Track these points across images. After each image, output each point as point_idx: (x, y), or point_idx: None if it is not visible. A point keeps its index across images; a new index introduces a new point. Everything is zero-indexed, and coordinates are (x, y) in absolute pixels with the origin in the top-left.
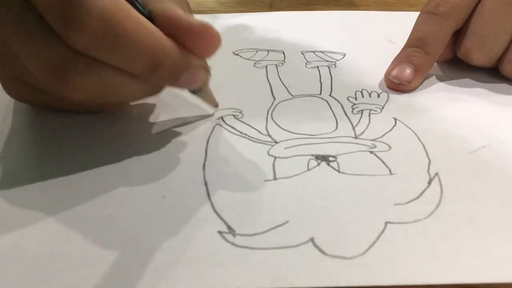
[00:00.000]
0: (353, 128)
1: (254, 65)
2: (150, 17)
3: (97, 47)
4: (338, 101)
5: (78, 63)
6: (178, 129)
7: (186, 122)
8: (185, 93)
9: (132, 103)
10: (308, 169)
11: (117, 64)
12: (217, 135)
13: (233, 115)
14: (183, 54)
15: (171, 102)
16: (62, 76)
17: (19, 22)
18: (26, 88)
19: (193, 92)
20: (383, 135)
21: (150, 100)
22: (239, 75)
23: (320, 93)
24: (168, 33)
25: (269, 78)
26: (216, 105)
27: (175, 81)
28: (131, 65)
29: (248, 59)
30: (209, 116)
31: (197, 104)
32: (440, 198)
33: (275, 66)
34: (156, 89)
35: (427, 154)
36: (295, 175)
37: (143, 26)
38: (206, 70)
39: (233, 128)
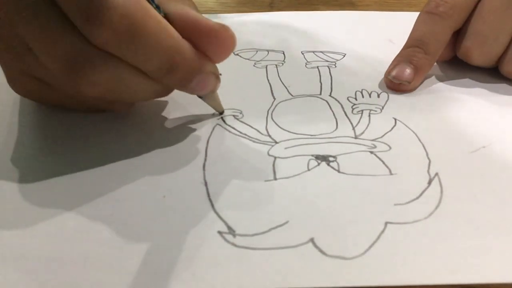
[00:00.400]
0: (353, 128)
1: (254, 65)
2: (166, 18)
3: (117, 43)
4: (338, 101)
5: (95, 58)
6: (178, 129)
7: (186, 122)
8: (186, 94)
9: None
10: (308, 169)
11: (133, 62)
12: (217, 135)
13: (233, 115)
14: (199, 57)
15: (171, 102)
16: (78, 69)
17: (36, 15)
18: (35, 83)
19: (201, 96)
20: (383, 135)
21: (150, 100)
22: (239, 75)
23: (320, 93)
24: (183, 36)
25: (269, 78)
26: (221, 112)
27: (186, 84)
28: (148, 64)
29: (248, 59)
30: (209, 116)
31: (197, 104)
32: (440, 198)
33: (275, 66)
34: (165, 91)
35: (427, 154)
36: (295, 175)
37: (163, 26)
38: (217, 77)
39: (233, 128)
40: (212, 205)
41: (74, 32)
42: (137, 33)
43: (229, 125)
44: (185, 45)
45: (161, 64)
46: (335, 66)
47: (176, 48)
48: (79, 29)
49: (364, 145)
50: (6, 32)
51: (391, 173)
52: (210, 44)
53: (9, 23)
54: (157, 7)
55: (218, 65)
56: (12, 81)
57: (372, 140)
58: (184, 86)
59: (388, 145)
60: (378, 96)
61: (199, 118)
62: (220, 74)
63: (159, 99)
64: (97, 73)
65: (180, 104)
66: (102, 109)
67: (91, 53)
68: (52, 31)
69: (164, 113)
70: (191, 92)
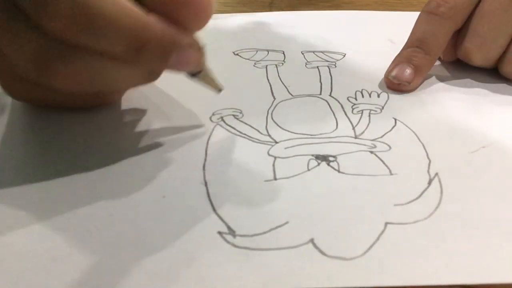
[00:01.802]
0: (353, 128)
1: (254, 65)
2: None
3: (73, 32)
4: (338, 101)
5: (58, 51)
6: (178, 129)
7: (186, 122)
8: (186, 94)
9: (128, 92)
10: (308, 169)
11: (98, 47)
12: (217, 135)
13: (233, 115)
14: (169, 30)
15: (171, 102)
16: (46, 65)
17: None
18: (23, 85)
19: (193, 76)
20: (383, 135)
21: (150, 100)
22: (239, 75)
23: (320, 93)
24: (154, 10)
25: (269, 78)
26: (219, 90)
27: (164, 61)
28: (112, 47)
29: (248, 59)
30: (209, 116)
31: (197, 104)
32: (440, 198)
33: (275, 66)
34: (151, 75)
35: (427, 154)
36: (295, 175)
37: (120, 5)
38: (199, 49)
39: (233, 128)
40: (212, 205)
41: (34, 28)
42: (92, 18)
43: (229, 125)
44: (150, 20)
45: (128, 44)
46: (335, 66)
47: (140, 25)
48: (35, 23)
49: (364, 145)
50: None
51: (391, 173)
52: (183, 12)
53: None
54: None
55: (218, 65)
56: (7, 87)
57: (372, 140)
58: (164, 63)
59: (388, 145)
60: (378, 96)
61: (199, 118)
62: (203, 45)
63: (159, 99)
64: (66, 66)
65: (180, 104)
66: (94, 103)
67: (54, 46)
68: (15, 31)
69: (164, 113)
70: (177, 70)
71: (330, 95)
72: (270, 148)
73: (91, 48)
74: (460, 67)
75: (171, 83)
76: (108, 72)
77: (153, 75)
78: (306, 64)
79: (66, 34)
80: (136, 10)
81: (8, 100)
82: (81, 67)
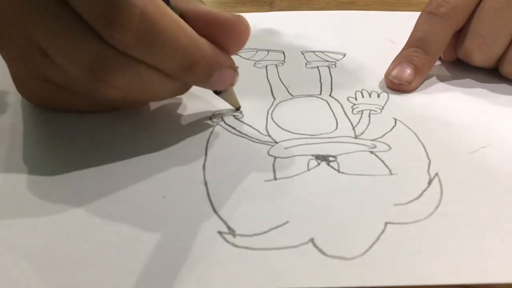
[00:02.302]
0: (353, 128)
1: (254, 65)
2: (180, 17)
3: (138, 45)
4: (338, 102)
5: (117, 61)
6: (178, 129)
7: (186, 122)
8: (186, 94)
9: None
10: (308, 169)
11: (154, 62)
12: (217, 135)
13: (233, 115)
14: (217, 52)
15: (171, 102)
16: (100, 74)
17: (55, 21)
18: (48, 87)
19: (218, 92)
20: (383, 135)
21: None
22: (239, 75)
23: (320, 93)
24: (199, 32)
25: (269, 78)
26: (238, 107)
27: (206, 80)
28: (168, 64)
29: (248, 59)
30: (209, 116)
31: (197, 104)
32: (440, 198)
33: (275, 66)
34: (183, 89)
35: (427, 154)
36: (295, 175)
37: (181, 25)
38: (235, 70)
39: (233, 128)
40: (212, 205)
41: (94, 37)
42: (156, 34)
43: (229, 125)
44: (203, 41)
45: (181, 62)
46: (335, 66)
47: (194, 45)
48: (99, 33)
49: (364, 145)
50: (19, 38)
51: (391, 173)
52: (226, 37)
53: (24, 29)
54: (173, 7)
55: None
56: (20, 85)
57: (372, 140)
58: (204, 82)
59: (388, 145)
60: (378, 96)
61: (199, 118)
62: (237, 67)
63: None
64: (119, 76)
65: (180, 103)
66: (118, 108)
67: (113, 57)
68: (72, 38)
69: (164, 113)
70: (210, 88)
71: (330, 95)
72: (270, 148)
73: (147, 62)
74: (460, 67)
75: None
76: (153, 84)
77: (185, 89)
78: (306, 64)
79: (130, 45)
80: (192, 31)
81: (8, 100)
82: (132, 79)
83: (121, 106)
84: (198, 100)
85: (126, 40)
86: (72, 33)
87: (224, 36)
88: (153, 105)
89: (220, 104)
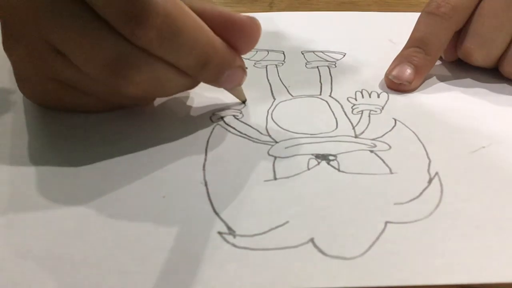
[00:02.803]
0: (353, 128)
1: (254, 65)
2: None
3: (159, 42)
4: (338, 102)
5: (137, 59)
6: (178, 129)
7: (186, 122)
8: (186, 93)
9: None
10: (308, 169)
11: (172, 59)
12: (217, 135)
13: (233, 115)
14: (230, 52)
15: (170, 102)
16: (120, 72)
17: (72, 20)
18: (56, 87)
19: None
20: (383, 135)
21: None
22: None
23: (320, 94)
24: (214, 31)
25: (269, 78)
26: (244, 101)
27: (218, 78)
28: (185, 61)
29: (248, 59)
30: (209, 116)
31: (197, 104)
32: (440, 197)
33: (275, 66)
34: (193, 85)
35: (427, 154)
36: (295, 175)
37: (198, 24)
38: (244, 70)
39: (233, 128)
40: (212, 205)
41: (113, 34)
42: (177, 32)
43: (229, 125)
44: (217, 41)
45: (198, 60)
46: (335, 66)
47: (211, 44)
48: (119, 31)
49: (365, 144)
50: (30, 38)
51: (391, 172)
52: (239, 37)
53: (36, 29)
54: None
55: None
56: (25, 85)
57: (372, 139)
58: (215, 80)
59: (388, 145)
60: (378, 96)
61: (199, 118)
62: (246, 68)
63: (159, 99)
64: (139, 74)
65: (179, 103)
66: (125, 107)
67: (133, 54)
68: (91, 36)
69: (163, 113)
70: (219, 86)
71: (330, 95)
72: (270, 148)
73: (164, 57)
74: (460, 67)
75: None
76: (168, 81)
77: (195, 85)
78: (306, 64)
79: (152, 43)
80: (209, 29)
81: (11, 98)
82: (151, 75)
83: (130, 104)
84: (198, 100)
85: (149, 37)
86: (90, 32)
87: (237, 36)
88: (153, 105)
89: (220, 104)
